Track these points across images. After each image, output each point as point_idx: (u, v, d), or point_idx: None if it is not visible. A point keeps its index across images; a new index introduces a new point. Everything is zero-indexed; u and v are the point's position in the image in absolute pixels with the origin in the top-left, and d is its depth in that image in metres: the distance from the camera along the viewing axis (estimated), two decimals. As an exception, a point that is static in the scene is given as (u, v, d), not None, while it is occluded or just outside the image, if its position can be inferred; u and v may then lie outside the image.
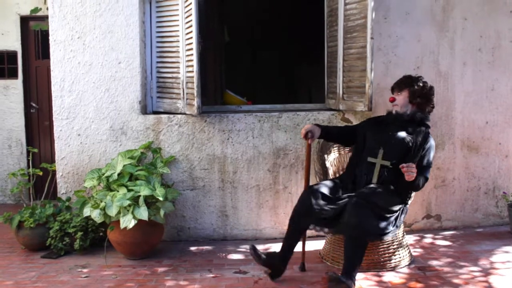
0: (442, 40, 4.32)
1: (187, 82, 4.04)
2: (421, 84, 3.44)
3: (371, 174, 3.33)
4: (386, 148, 3.34)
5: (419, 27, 4.28)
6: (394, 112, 3.48)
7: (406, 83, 3.46)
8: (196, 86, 3.88)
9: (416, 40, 4.29)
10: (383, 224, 3.17)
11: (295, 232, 3.32)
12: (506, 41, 4.40)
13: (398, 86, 3.49)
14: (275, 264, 3.29)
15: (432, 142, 3.37)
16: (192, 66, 3.91)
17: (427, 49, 4.31)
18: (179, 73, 4.12)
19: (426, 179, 3.29)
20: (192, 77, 3.93)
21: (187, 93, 4.05)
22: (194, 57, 3.88)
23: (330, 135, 3.61)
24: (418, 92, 3.41)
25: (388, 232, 3.21)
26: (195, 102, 3.90)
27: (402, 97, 3.44)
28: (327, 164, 3.87)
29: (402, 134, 3.38)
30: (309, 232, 4.23)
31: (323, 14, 4.44)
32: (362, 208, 3.08)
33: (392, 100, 3.47)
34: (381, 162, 3.33)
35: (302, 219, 3.26)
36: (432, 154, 3.35)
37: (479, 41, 4.36)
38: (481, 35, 4.36)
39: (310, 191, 3.28)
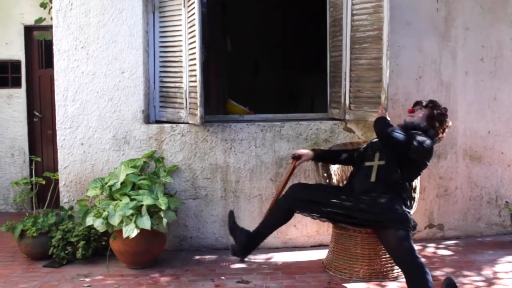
0: (444, 50, 4.34)
1: (190, 92, 4.06)
2: (443, 112, 3.58)
3: (370, 176, 3.43)
4: (382, 151, 3.48)
5: (421, 37, 4.30)
6: (403, 121, 3.60)
7: (432, 103, 3.59)
8: (199, 96, 3.90)
9: (418, 49, 4.30)
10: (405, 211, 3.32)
11: (276, 218, 3.55)
12: (508, 50, 4.41)
13: (424, 104, 3.60)
14: (241, 239, 3.50)
15: (424, 137, 3.37)
16: (195, 76, 3.93)
17: (429, 59, 4.32)
18: (182, 82, 4.14)
19: (391, 135, 3.28)
20: (195, 86, 3.95)
21: (190, 103, 4.07)
22: (197, 67, 3.90)
23: (325, 157, 3.81)
24: (438, 115, 3.53)
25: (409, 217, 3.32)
26: (198, 111, 3.91)
27: (422, 113, 3.54)
28: (331, 172, 3.89)
29: None
30: (312, 241, 4.25)
31: (326, 24, 4.46)
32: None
33: (411, 111, 3.59)
34: (378, 163, 3.45)
35: (288, 203, 3.49)
36: (418, 139, 3.32)
37: (481, 50, 4.38)
38: (483, 45, 4.38)
39: (300, 184, 3.63)
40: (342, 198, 3.36)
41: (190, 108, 4.07)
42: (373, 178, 3.42)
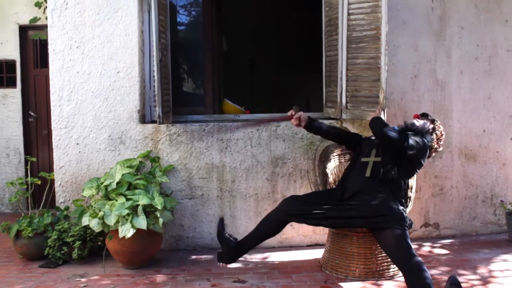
0: (439, 49, 4.35)
1: (153, 91, 4.11)
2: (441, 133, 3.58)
3: (365, 172, 3.42)
4: (379, 149, 3.48)
5: (416, 36, 4.31)
6: (403, 123, 3.56)
7: (435, 122, 3.58)
8: (157, 95, 3.87)
9: (413, 49, 4.32)
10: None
11: (267, 228, 3.51)
12: (503, 50, 4.43)
13: (430, 118, 3.58)
14: (228, 246, 3.46)
15: (419, 137, 3.38)
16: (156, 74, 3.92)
17: (424, 58, 4.34)
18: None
19: (387, 133, 3.31)
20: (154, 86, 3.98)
21: (155, 101, 4.08)
22: (155, 67, 3.89)
23: (318, 129, 3.71)
24: (437, 132, 3.54)
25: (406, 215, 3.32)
26: (157, 110, 3.89)
27: (428, 123, 3.54)
28: (328, 172, 3.89)
29: None
30: (309, 241, 4.26)
31: (321, 24, 4.46)
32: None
33: (417, 116, 3.58)
34: (374, 159, 3.45)
35: (284, 216, 3.45)
36: (413, 137, 3.34)
37: (475, 50, 4.40)
38: (477, 44, 4.39)
39: (291, 198, 3.53)
40: (334, 209, 3.33)
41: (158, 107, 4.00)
42: (368, 174, 3.41)
